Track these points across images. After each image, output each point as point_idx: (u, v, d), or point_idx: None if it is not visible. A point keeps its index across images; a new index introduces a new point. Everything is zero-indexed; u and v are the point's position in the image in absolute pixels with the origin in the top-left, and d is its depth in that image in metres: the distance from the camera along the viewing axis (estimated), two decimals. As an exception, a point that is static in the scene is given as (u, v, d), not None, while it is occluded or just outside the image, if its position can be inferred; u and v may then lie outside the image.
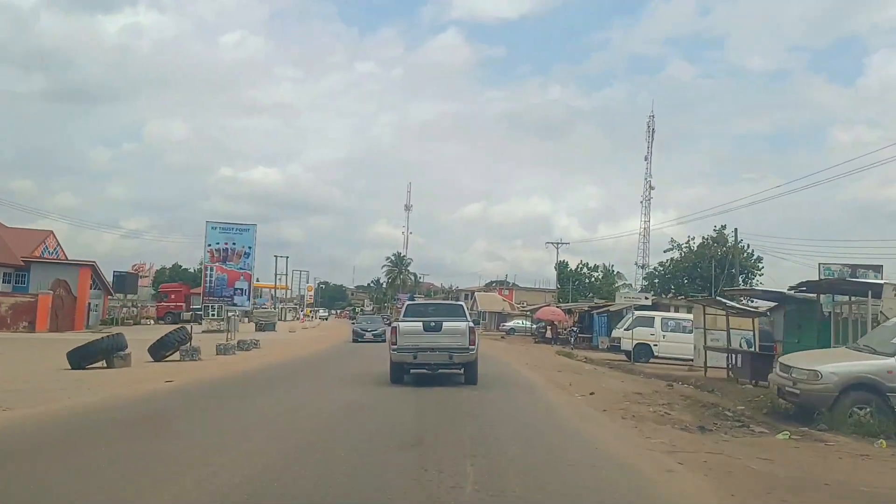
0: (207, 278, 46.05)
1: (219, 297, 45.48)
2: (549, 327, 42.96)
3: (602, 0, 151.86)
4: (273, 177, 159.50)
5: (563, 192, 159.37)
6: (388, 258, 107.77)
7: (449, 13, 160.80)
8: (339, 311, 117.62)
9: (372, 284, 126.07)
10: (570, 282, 69.34)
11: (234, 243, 46.55)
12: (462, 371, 13.60)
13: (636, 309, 25.90)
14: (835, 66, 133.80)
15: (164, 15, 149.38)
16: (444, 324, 13.42)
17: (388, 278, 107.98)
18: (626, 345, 24.64)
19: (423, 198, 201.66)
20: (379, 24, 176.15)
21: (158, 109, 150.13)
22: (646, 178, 71.15)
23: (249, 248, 47.06)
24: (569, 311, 44.86)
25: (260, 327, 43.84)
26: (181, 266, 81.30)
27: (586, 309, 40.23)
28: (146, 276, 76.94)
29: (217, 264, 46.15)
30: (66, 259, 48.50)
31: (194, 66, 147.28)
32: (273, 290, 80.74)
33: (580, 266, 72.31)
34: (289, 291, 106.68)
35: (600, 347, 35.82)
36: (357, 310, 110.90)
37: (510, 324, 62.08)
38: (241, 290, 46.36)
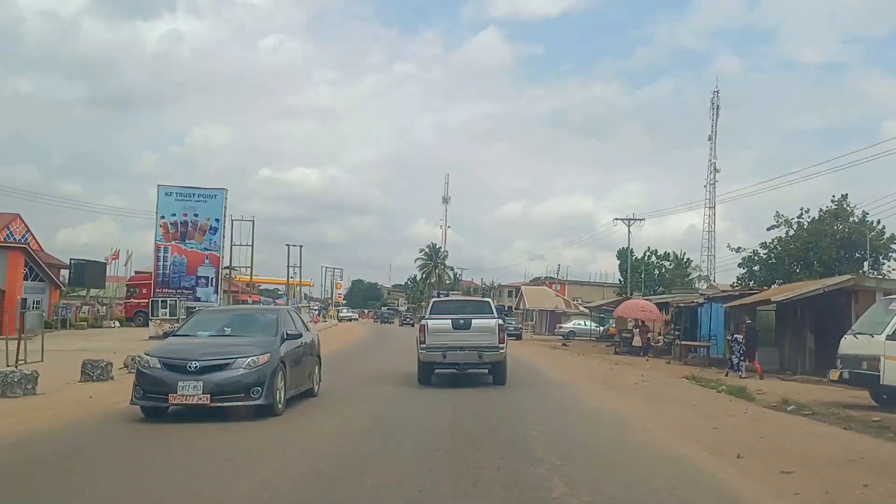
0: (160, 262, 33.40)
1: (175, 287, 33.06)
2: (636, 330, 29.45)
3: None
4: (312, 178, 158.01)
5: (606, 189, 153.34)
6: (421, 250, 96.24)
7: (488, 12, 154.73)
8: (368, 311, 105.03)
9: (409, 283, 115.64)
10: (639, 272, 56.45)
11: (195, 214, 33.36)
12: (488, 372, 13.39)
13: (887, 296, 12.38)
14: (891, 57, 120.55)
15: (202, 21, 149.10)
16: (474, 321, 13.01)
17: (423, 273, 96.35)
18: (892, 374, 10.95)
19: (463, 198, 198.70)
20: (418, 24, 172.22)
21: (200, 114, 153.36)
22: (710, 160, 60.67)
23: (217, 220, 33.94)
24: (663, 305, 31.13)
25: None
26: (182, 257, 69.81)
27: (701, 302, 26.41)
28: (147, 273, 65.78)
29: (173, 243, 33.37)
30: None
31: (234, 70, 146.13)
32: (287, 284, 69.67)
33: (647, 254, 59.60)
34: (320, 288, 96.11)
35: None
36: (384, 308, 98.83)
37: (569, 325, 49.64)
38: (207, 278, 33.41)
